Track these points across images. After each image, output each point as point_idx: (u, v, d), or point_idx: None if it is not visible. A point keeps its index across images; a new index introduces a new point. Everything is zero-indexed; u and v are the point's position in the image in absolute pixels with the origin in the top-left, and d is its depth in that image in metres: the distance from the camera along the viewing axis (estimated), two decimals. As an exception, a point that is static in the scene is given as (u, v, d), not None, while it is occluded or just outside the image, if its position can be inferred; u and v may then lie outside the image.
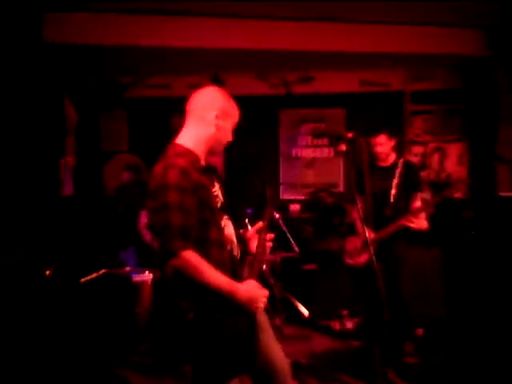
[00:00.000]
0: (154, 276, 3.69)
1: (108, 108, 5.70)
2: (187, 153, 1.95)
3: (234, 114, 2.08)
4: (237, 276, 1.99)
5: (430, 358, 3.73)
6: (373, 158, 3.94)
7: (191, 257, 1.82)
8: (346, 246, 4.17)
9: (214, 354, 1.85)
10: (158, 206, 1.83)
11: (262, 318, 2.13)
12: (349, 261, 4.08)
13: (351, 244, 4.07)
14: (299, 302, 4.06)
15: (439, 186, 5.47)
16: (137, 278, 3.73)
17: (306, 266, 4.82)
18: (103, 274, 3.71)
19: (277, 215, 3.95)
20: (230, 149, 2.17)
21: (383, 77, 5.50)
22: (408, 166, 3.89)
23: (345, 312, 4.69)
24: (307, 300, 4.20)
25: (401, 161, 3.89)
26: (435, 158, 5.67)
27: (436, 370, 3.50)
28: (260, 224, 2.21)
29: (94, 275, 3.56)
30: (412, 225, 3.55)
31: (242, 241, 2.18)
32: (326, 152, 5.77)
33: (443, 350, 3.86)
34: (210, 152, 2.06)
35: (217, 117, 1.99)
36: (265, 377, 2.12)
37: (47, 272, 3.18)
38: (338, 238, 4.90)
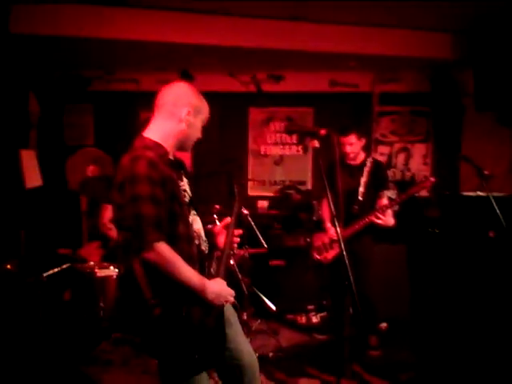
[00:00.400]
0: (118, 271, 3.62)
1: (73, 102, 5.59)
2: (155, 146, 1.92)
3: (205, 111, 2.07)
4: (204, 271, 1.99)
5: (393, 351, 3.80)
6: (342, 156, 4.01)
7: (165, 249, 1.79)
8: (313, 242, 4.22)
9: (181, 349, 1.83)
10: (127, 199, 1.80)
11: (229, 313, 2.13)
12: (316, 256, 4.13)
13: (319, 240, 4.11)
14: (266, 297, 4.08)
15: (404, 185, 5.61)
16: (101, 273, 3.65)
17: (273, 261, 4.83)
18: (66, 268, 3.61)
19: (245, 211, 3.95)
20: (198, 144, 2.16)
21: (353, 78, 5.59)
22: (376, 164, 3.97)
23: (311, 307, 4.74)
24: (274, 295, 4.23)
25: (369, 159, 3.96)
26: (401, 157, 5.81)
27: (399, 363, 3.57)
28: (228, 219, 2.20)
29: (57, 270, 3.45)
30: (379, 221, 3.62)
31: (210, 236, 2.17)
32: (295, 150, 5.83)
33: (406, 345, 3.94)
34: (179, 148, 2.04)
35: (188, 113, 1.97)
36: (232, 371, 2.12)
37: (8, 266, 3.08)
38: (305, 234, 4.96)
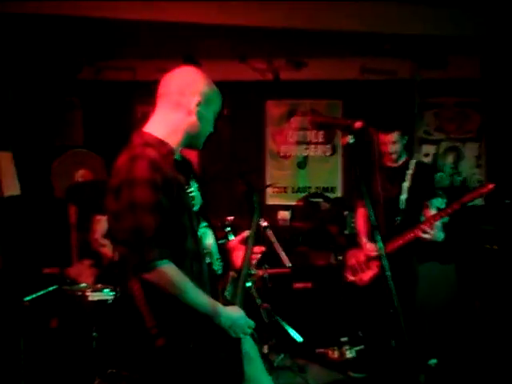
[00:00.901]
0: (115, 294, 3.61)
1: (58, 93, 5.63)
2: (158, 143, 1.88)
3: (217, 101, 2.03)
4: (217, 295, 1.95)
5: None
6: (380, 157, 3.98)
7: (169, 269, 1.76)
8: (346, 260, 4.19)
9: None
10: (123, 206, 1.75)
11: (249, 346, 2.10)
12: (351, 278, 4.10)
13: (353, 258, 4.08)
14: (290, 326, 4.04)
15: (454, 192, 5.56)
16: (93, 297, 3.63)
17: (298, 283, 4.80)
18: (52, 291, 3.61)
19: (264, 223, 3.92)
20: (206, 143, 2.14)
21: (389, 63, 5.56)
22: (421, 167, 3.94)
23: (344, 339, 4.70)
24: (300, 324, 4.18)
25: (413, 161, 3.94)
26: (449, 158, 5.78)
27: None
28: (245, 233, 2.18)
29: (41, 293, 3.46)
30: (426, 236, 3.56)
31: (223, 253, 2.14)
32: (321, 150, 5.83)
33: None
34: (188, 145, 2.01)
35: (198, 103, 1.94)
36: None
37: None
38: (335, 251, 4.94)
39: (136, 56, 5.54)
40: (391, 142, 3.77)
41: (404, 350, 4.17)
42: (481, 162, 5.75)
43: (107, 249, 4.09)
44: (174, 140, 1.93)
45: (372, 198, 3.89)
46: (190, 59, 5.35)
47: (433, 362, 4.22)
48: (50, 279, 4.10)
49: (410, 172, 3.88)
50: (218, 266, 2.06)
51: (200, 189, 2.08)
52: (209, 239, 2.03)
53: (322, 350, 4.65)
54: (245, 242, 2.15)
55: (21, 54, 5.11)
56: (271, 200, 5.73)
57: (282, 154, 5.84)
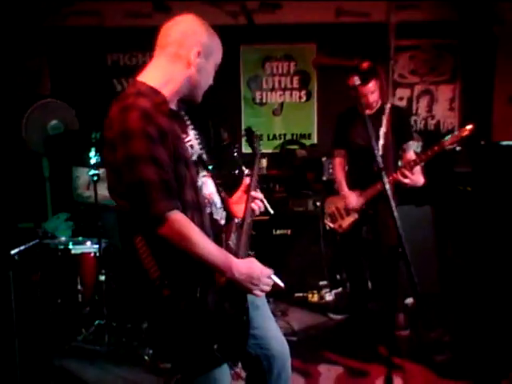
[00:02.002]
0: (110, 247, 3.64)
1: (23, 41, 5.44)
2: (151, 92, 1.84)
3: (218, 52, 1.98)
4: (220, 245, 1.90)
5: (423, 330, 3.93)
6: (357, 104, 4.00)
7: (180, 220, 1.74)
8: (325, 207, 4.26)
9: (197, 338, 1.81)
10: (121, 161, 1.72)
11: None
12: (330, 224, 4.18)
13: (332, 205, 4.16)
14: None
15: (428, 135, 5.66)
16: (76, 250, 3.66)
17: (277, 230, 4.88)
18: (34, 245, 3.60)
19: (246, 170, 3.95)
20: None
21: (363, 5, 5.52)
22: (397, 111, 3.96)
23: (323, 283, 4.84)
24: (280, 269, 4.26)
25: (388, 106, 3.94)
26: (423, 102, 5.84)
27: (432, 344, 3.70)
28: (246, 181, 2.16)
29: (23, 247, 3.45)
30: (406, 180, 3.60)
31: (224, 203, 2.11)
32: (297, 96, 5.81)
33: (437, 322, 4.07)
34: (187, 97, 1.96)
35: (198, 54, 1.89)
36: (259, 362, 2.12)
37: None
38: (314, 197, 5.01)
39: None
40: (370, 92, 3.77)
41: (381, 291, 4.39)
42: (454, 105, 5.83)
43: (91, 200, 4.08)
44: (169, 89, 1.89)
45: (351, 147, 4.02)
46: (160, 4, 5.21)
47: (409, 300, 4.42)
48: (27, 234, 4.09)
49: (385, 117, 3.92)
50: (220, 216, 2.03)
51: (199, 137, 2.04)
52: (209, 188, 2.00)
53: (301, 295, 4.81)
54: (246, 190, 2.15)
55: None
56: (247, 148, 5.73)
57: (257, 101, 5.81)
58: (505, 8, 5.28)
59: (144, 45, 5.50)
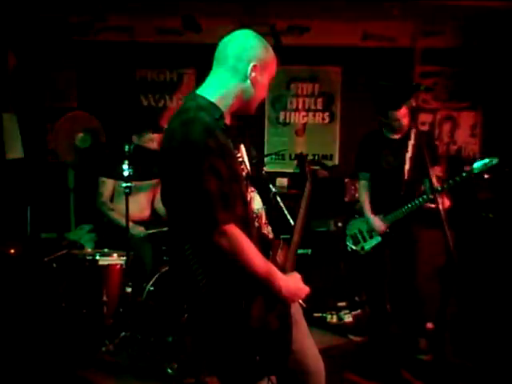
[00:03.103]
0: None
1: (54, 55, 5.54)
2: (211, 107, 1.88)
3: (273, 66, 2.04)
4: (267, 259, 1.94)
5: (445, 355, 3.91)
6: (385, 129, 4.04)
7: (238, 233, 1.78)
8: (347, 229, 4.28)
9: (240, 350, 1.85)
10: (182, 173, 1.77)
11: (295, 309, 2.12)
12: (352, 246, 4.21)
13: (354, 228, 4.19)
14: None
15: (450, 161, 5.68)
16: (103, 261, 3.69)
17: (298, 250, 4.88)
18: (62, 255, 3.65)
19: (273, 189, 4.00)
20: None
21: (390, 30, 5.60)
22: (422, 136, 3.99)
23: (342, 304, 4.84)
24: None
25: (413, 131, 3.98)
26: (445, 127, 5.87)
27: (455, 370, 3.68)
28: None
29: (53, 256, 3.49)
30: (433, 205, 3.62)
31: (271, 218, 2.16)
32: (320, 117, 5.86)
33: (457, 348, 4.05)
34: (241, 111, 2.02)
35: (255, 69, 1.95)
36: (295, 378, 2.14)
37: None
38: (335, 218, 5.03)
39: (133, 15, 5.46)
40: (404, 116, 3.82)
41: (401, 315, 4.38)
42: (476, 132, 5.86)
43: (114, 213, 4.11)
44: (225, 104, 1.94)
45: (376, 170, 4.06)
46: (190, 22, 5.31)
47: (429, 325, 4.41)
48: (50, 244, 4.14)
49: (411, 142, 3.96)
50: (267, 231, 2.07)
51: (248, 154, 2.11)
52: (257, 204, 2.05)
53: (319, 315, 4.81)
54: (298, 211, 2.21)
55: (18, 16, 5.00)
56: (269, 167, 5.78)
57: (280, 121, 5.86)
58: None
59: (172, 61, 5.68)
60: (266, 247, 1.98)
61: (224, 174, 1.79)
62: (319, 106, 5.85)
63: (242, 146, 2.06)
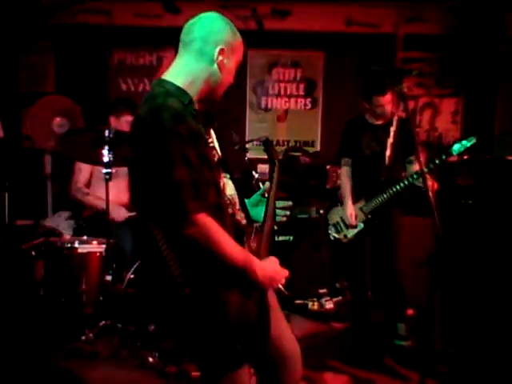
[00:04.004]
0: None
1: (29, 38, 5.40)
2: (179, 92, 1.86)
3: (240, 50, 2.01)
4: (242, 246, 1.92)
5: (425, 341, 3.95)
6: (368, 115, 4.04)
7: (208, 221, 1.75)
8: (329, 218, 4.28)
9: (220, 338, 1.84)
10: (150, 162, 1.74)
11: (270, 295, 2.10)
12: (334, 235, 4.20)
13: (336, 216, 4.18)
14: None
15: (431, 148, 5.72)
16: (83, 249, 3.63)
17: (279, 236, 4.89)
18: (40, 243, 3.58)
19: (256, 175, 3.98)
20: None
21: (373, 16, 5.57)
22: (404, 123, 4.00)
23: (323, 291, 4.86)
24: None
25: (395, 118, 4.00)
26: (426, 114, 5.89)
27: (436, 355, 3.72)
28: (266, 185, 2.19)
29: (31, 244, 3.42)
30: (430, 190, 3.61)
31: (244, 204, 2.14)
32: (302, 103, 5.83)
33: (437, 333, 4.10)
34: (208, 95, 1.97)
35: (222, 52, 1.91)
36: (271, 363, 2.13)
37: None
38: (317, 205, 5.03)
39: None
40: (388, 102, 3.82)
41: (382, 301, 4.42)
42: (457, 119, 5.89)
43: (90, 198, 4.05)
44: (193, 89, 1.90)
45: (359, 156, 4.06)
46: (170, 5, 5.23)
47: (410, 311, 4.45)
48: (26, 231, 4.06)
49: (393, 128, 3.97)
50: (241, 217, 2.06)
51: (219, 139, 2.08)
52: (230, 190, 2.05)
53: (301, 302, 4.82)
54: (267, 194, 2.17)
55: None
56: (250, 153, 5.73)
57: (262, 107, 5.82)
58: (509, 23, 5.36)
59: (151, 45, 5.59)
60: (239, 234, 1.98)
61: (195, 162, 1.76)
62: (301, 92, 5.81)
63: (212, 131, 2.04)
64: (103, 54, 5.53)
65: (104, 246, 3.58)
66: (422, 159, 3.82)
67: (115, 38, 5.50)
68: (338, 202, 4.26)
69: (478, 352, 3.72)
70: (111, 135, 3.39)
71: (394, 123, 3.97)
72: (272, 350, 2.09)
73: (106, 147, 3.40)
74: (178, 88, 1.87)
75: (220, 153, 2.07)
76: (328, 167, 5.14)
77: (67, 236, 3.89)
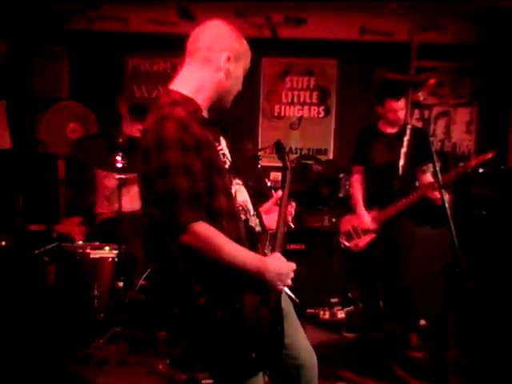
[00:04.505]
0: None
1: (45, 43, 5.45)
2: (185, 101, 1.87)
3: (247, 56, 2.01)
4: (256, 253, 1.90)
5: (438, 352, 3.91)
6: (381, 122, 4.03)
7: (205, 230, 1.75)
8: (340, 226, 4.26)
9: (235, 347, 1.82)
10: (154, 170, 1.76)
11: (286, 303, 2.09)
12: (345, 243, 4.18)
13: (348, 224, 4.17)
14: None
15: (444, 157, 5.68)
16: (95, 254, 3.65)
17: (291, 245, 4.87)
18: (53, 248, 3.60)
19: (268, 183, 3.98)
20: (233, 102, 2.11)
21: (388, 24, 5.55)
22: (418, 132, 3.99)
23: (334, 300, 4.83)
24: (293, 284, 4.26)
25: (409, 127, 4.00)
26: (440, 124, 5.85)
27: (448, 366, 3.68)
28: (278, 194, 2.18)
29: (43, 249, 3.45)
30: (436, 195, 3.58)
31: (256, 210, 2.11)
32: (315, 111, 5.82)
33: (450, 344, 4.05)
34: (216, 103, 1.98)
35: (228, 59, 1.91)
36: (287, 372, 2.11)
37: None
38: (329, 213, 5.01)
39: (129, 5, 5.38)
40: (401, 109, 3.81)
41: (394, 311, 4.38)
42: (471, 128, 5.85)
43: (103, 207, 4.08)
44: (201, 97, 1.91)
45: (371, 164, 4.05)
46: (185, 13, 5.24)
47: (422, 322, 4.41)
48: (38, 236, 4.08)
49: (406, 138, 3.96)
50: (255, 224, 2.03)
51: (229, 145, 2.06)
52: (243, 196, 2.02)
53: (312, 311, 4.79)
54: (280, 202, 2.15)
55: (9, 3, 4.92)
56: (263, 161, 5.73)
57: (275, 114, 5.82)
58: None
59: (166, 52, 5.62)
60: (253, 240, 1.95)
61: (197, 171, 1.78)
62: (314, 100, 5.80)
63: (222, 139, 2.02)
64: (118, 60, 5.56)
65: (116, 251, 3.60)
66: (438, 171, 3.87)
67: (130, 44, 5.52)
68: (350, 210, 4.25)
69: (492, 364, 3.67)
70: (125, 141, 3.41)
71: (408, 132, 3.97)
72: (288, 358, 2.08)
73: (120, 153, 3.42)
74: (185, 97, 1.88)
75: (231, 160, 2.05)
76: (341, 176, 5.12)
77: (79, 241, 3.91)
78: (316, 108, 5.81)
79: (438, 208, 3.92)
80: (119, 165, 3.41)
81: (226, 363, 1.85)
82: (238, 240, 1.86)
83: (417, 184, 4.08)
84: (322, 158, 5.74)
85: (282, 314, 1.98)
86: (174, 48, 5.62)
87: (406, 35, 5.60)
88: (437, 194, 3.59)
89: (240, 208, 1.97)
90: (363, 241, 4.07)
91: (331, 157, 5.82)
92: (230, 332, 1.80)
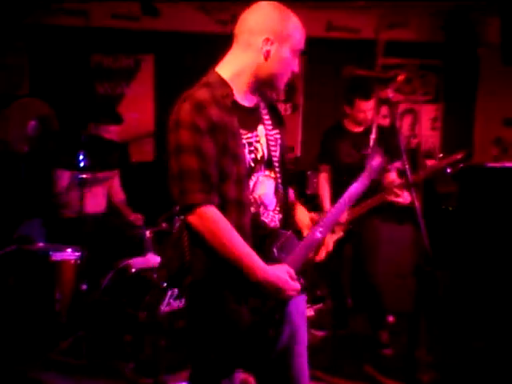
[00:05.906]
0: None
1: (2, 37, 5.27)
2: (219, 84, 1.86)
3: (294, 37, 1.92)
4: (262, 251, 1.84)
5: (406, 349, 3.93)
6: (347, 121, 4.02)
7: (212, 215, 1.76)
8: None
9: (209, 341, 1.88)
10: (170, 148, 1.82)
11: (298, 315, 2.07)
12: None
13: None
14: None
15: (411, 155, 5.73)
16: (56, 256, 3.54)
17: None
18: (12, 251, 3.48)
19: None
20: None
21: (354, 21, 5.57)
22: (382, 131, 4.00)
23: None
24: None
25: (374, 125, 3.99)
26: (406, 121, 5.90)
27: (417, 363, 3.69)
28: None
29: (2, 252, 3.33)
30: (400, 199, 3.61)
31: (287, 208, 2.04)
32: (281, 108, 5.78)
33: (419, 341, 4.08)
34: (263, 87, 1.95)
35: (266, 41, 1.85)
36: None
37: None
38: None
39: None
40: (369, 109, 3.80)
41: (363, 309, 4.40)
42: (436, 125, 5.91)
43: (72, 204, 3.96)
44: (240, 81, 1.90)
45: (338, 163, 4.04)
46: (148, 7, 5.14)
47: (390, 318, 4.43)
48: (0, 238, 3.95)
49: (372, 136, 3.96)
50: (271, 218, 1.94)
51: (277, 134, 2.00)
52: (263, 189, 1.93)
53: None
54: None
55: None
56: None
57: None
58: (488, 31, 5.41)
59: (129, 48, 5.50)
60: (261, 234, 1.89)
61: (209, 154, 1.78)
62: (281, 97, 5.77)
63: (262, 127, 1.95)
64: (79, 56, 5.40)
65: (78, 253, 3.50)
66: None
67: (92, 39, 5.38)
68: (318, 208, 4.23)
69: (460, 361, 3.71)
70: (87, 139, 3.32)
71: (374, 131, 3.96)
72: (279, 369, 2.02)
73: (83, 152, 3.32)
74: (221, 79, 1.88)
75: (265, 150, 1.95)
76: (308, 173, 5.10)
77: (40, 243, 3.79)
78: (283, 105, 5.77)
79: (402, 207, 3.96)
80: (81, 164, 3.31)
81: (208, 361, 1.91)
82: (240, 232, 1.80)
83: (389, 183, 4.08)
84: (289, 155, 5.74)
85: (278, 319, 1.89)
86: (138, 44, 5.57)
87: (372, 32, 5.64)
88: (398, 197, 3.60)
89: (252, 200, 1.90)
90: (330, 239, 4.05)
91: (299, 154, 5.80)
92: (209, 321, 1.86)
